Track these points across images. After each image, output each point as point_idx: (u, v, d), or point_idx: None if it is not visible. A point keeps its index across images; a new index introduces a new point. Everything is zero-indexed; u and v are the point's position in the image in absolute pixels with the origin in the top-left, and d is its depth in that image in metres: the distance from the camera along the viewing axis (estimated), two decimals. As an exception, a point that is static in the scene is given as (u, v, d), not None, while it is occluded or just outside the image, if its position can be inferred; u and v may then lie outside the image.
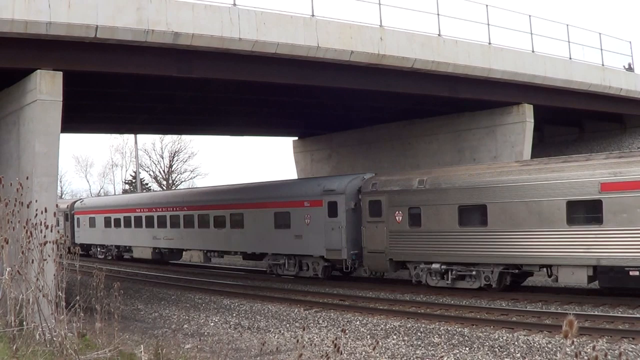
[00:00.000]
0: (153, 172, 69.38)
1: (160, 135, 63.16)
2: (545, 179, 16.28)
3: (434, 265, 18.41)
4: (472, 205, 17.60)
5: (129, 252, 34.22)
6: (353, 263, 20.94)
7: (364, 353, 12.67)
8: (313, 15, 16.83)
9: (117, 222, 34.25)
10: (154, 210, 31.31)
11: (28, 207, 7.96)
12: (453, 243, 17.94)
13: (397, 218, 19.29)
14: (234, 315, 17.77)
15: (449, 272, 18.15)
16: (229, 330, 16.12)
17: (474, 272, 17.69)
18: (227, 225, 26.01)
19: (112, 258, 35.28)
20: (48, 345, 7.67)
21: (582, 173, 15.75)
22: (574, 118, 28.18)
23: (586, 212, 15.67)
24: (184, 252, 30.71)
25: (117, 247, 35.16)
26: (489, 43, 20.41)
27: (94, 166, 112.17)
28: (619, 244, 14.94)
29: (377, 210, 19.76)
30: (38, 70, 14.06)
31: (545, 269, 16.88)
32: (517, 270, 17.25)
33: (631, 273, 14.71)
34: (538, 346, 12.10)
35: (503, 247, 16.99)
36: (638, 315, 14.13)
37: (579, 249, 15.55)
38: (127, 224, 33.32)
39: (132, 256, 34.00)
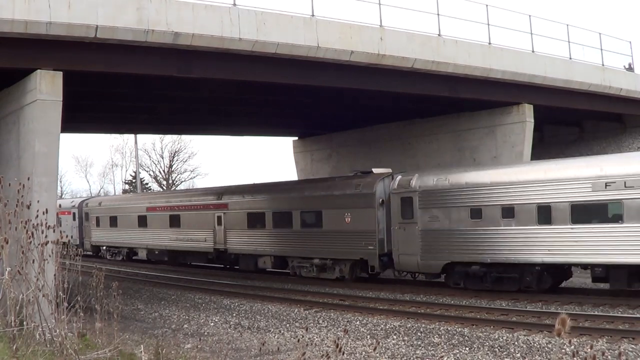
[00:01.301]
0: (153, 172, 69.48)
1: (160, 135, 63.21)
2: (161, 203, 31.87)
3: (104, 248, 36.52)
4: (126, 215, 33.59)
5: None
6: (83, 247, 36.98)
7: (364, 353, 12.67)
8: (313, 15, 16.81)
9: None
10: None
11: (29, 207, 7.96)
12: (111, 234, 35.17)
13: (94, 222, 37.07)
14: (234, 315, 17.77)
15: (110, 250, 35.83)
16: (229, 330, 16.12)
17: (126, 251, 34.55)
18: None
19: None
20: (48, 345, 7.68)
21: (161, 202, 31.81)
22: (574, 118, 28.14)
23: (172, 221, 30.05)
24: None
25: None
26: (489, 43, 20.39)
27: (94, 166, 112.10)
28: (184, 239, 29.18)
29: (87, 218, 37.92)
30: (38, 70, 14.03)
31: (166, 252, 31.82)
32: (156, 252, 32.25)
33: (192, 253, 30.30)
34: (538, 346, 12.11)
35: (151, 238, 31.92)
36: (638, 315, 14.16)
37: (160, 241, 31.09)
38: None
39: None
